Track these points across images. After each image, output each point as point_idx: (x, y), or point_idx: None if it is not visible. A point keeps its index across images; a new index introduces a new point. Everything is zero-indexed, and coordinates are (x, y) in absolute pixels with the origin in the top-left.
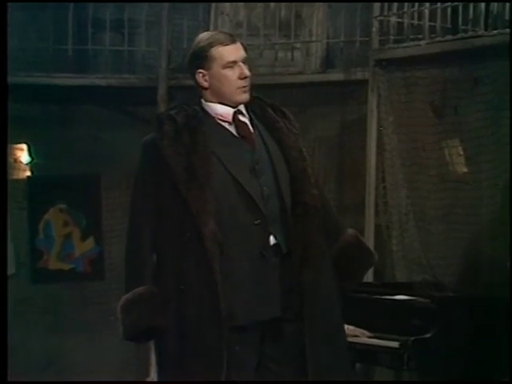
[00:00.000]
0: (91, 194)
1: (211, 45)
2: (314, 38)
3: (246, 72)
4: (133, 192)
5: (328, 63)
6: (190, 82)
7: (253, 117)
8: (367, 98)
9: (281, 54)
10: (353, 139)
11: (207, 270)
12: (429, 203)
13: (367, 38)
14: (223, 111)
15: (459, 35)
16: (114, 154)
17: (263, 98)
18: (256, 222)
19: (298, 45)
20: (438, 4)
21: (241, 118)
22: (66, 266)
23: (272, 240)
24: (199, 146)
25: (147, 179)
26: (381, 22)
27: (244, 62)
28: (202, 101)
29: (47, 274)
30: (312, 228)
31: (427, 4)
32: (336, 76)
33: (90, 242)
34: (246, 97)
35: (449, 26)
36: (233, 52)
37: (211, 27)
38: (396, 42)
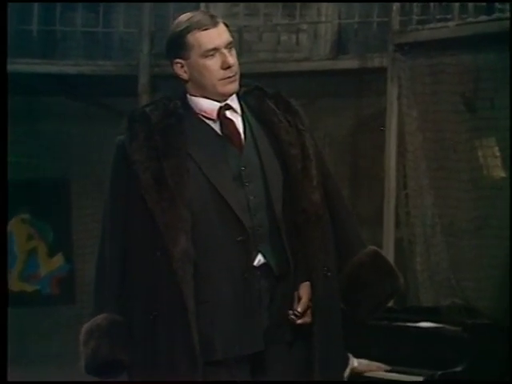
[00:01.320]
0: (60, 201)
1: (188, 30)
2: (323, 19)
3: (230, 60)
4: (104, 203)
5: (340, 48)
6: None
7: (246, 111)
8: (386, 88)
9: (284, 37)
10: (369, 137)
11: (178, 295)
12: (459, 214)
13: (386, 19)
14: (207, 106)
15: (495, 15)
16: (87, 155)
17: (263, 88)
18: (238, 239)
19: (305, 26)
20: None
21: (228, 114)
22: (30, 288)
23: (260, 259)
24: (173, 148)
25: (115, 189)
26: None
27: (229, 47)
28: (187, 95)
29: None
30: (313, 242)
31: None
32: (349, 63)
33: (58, 259)
34: (232, 88)
35: (483, 4)
36: (213, 37)
37: (202, 5)
38: (420, 22)
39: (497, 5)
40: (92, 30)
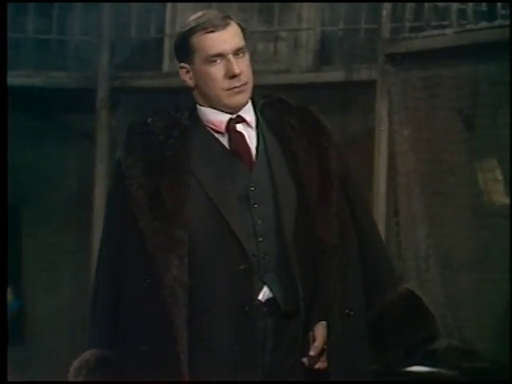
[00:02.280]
0: (8, 230)
1: (192, 31)
2: (304, 26)
3: (236, 69)
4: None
5: (323, 58)
6: (142, 83)
7: (262, 125)
8: (375, 104)
9: (260, 46)
10: (356, 158)
11: (168, 327)
12: (457, 245)
13: (375, 26)
14: (215, 118)
15: (497, 22)
16: (40, 178)
17: (287, 101)
18: (241, 267)
19: (284, 34)
20: None
21: (239, 127)
22: None
23: (266, 293)
24: (173, 163)
25: (110, 212)
26: (393, 4)
27: (238, 53)
28: (196, 105)
29: None
30: (329, 275)
31: None
32: (334, 75)
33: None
34: (238, 100)
35: (483, 9)
36: (218, 41)
37: (167, 9)
38: (414, 30)
39: (499, 9)
40: (45, 38)
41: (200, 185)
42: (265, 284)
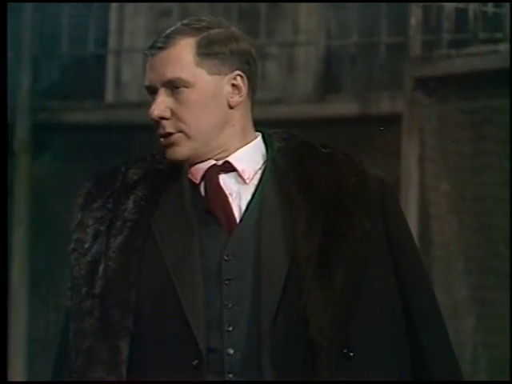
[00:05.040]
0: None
1: (147, 52)
2: (302, 38)
3: (152, 110)
4: None
5: (329, 84)
6: (76, 117)
7: (268, 178)
8: (400, 147)
9: None
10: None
11: None
12: None
13: (400, 38)
14: (192, 166)
15: None
16: None
17: (316, 145)
18: (194, 363)
19: (274, 49)
20: None
21: (221, 177)
22: None
23: None
24: (129, 219)
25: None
26: (426, 10)
27: (173, 86)
28: None
29: None
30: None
31: None
32: (343, 108)
33: None
34: (170, 154)
35: None
36: (150, 69)
37: (111, 17)
38: (454, 44)
39: None
40: None
41: (157, 249)
42: None
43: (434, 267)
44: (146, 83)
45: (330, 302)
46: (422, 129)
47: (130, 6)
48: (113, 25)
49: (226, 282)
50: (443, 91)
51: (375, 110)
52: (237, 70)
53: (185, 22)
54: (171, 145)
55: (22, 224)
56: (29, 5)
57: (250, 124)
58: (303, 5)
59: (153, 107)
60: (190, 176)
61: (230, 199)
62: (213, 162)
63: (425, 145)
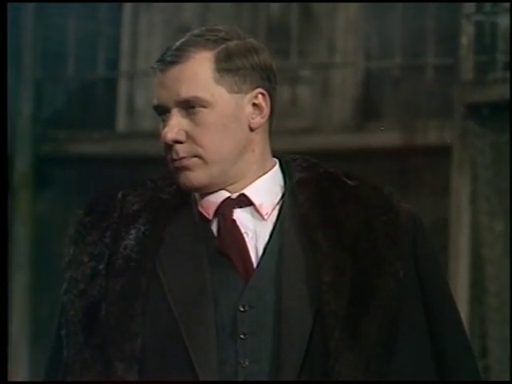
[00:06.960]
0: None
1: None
2: (338, 59)
3: (165, 133)
4: None
5: (368, 111)
6: (84, 148)
7: (287, 213)
8: (450, 183)
9: None
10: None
11: None
12: None
13: (450, 59)
14: (203, 197)
15: None
16: None
17: (342, 177)
18: None
19: (307, 72)
20: None
21: (236, 212)
22: None
23: None
24: (131, 261)
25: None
26: (478, 26)
27: (189, 106)
28: None
29: None
30: None
31: None
32: (385, 138)
33: None
34: (183, 180)
35: None
36: (158, 87)
37: (123, 35)
38: (509, 67)
39: None
40: None
41: (163, 294)
42: None
43: (487, 317)
44: (155, 102)
45: (360, 364)
46: (475, 162)
47: (144, 22)
48: (125, 44)
49: (242, 337)
50: (498, 119)
51: (421, 140)
52: (258, 87)
53: (197, 32)
54: (185, 169)
55: (22, 269)
56: (30, 20)
57: (269, 149)
58: (340, 21)
59: (165, 130)
60: (200, 209)
61: (247, 239)
62: (226, 194)
63: (477, 180)
